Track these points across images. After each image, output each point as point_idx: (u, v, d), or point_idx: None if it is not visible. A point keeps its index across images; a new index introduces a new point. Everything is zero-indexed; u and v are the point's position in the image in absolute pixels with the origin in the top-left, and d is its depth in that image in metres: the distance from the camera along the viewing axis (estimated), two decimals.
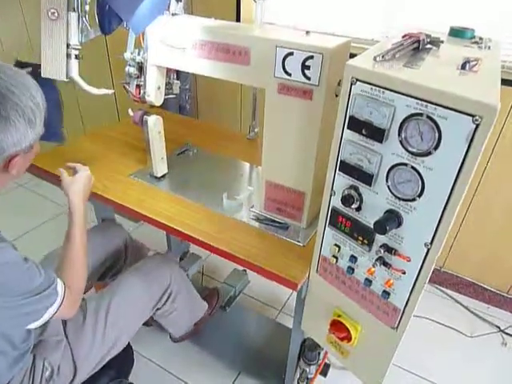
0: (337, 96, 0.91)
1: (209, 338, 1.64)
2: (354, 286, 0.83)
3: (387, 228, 0.66)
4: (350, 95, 0.66)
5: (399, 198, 0.67)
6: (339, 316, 0.88)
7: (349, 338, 0.87)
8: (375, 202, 0.71)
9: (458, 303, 1.90)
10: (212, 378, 1.56)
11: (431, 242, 0.65)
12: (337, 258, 0.83)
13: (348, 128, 0.69)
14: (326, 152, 0.99)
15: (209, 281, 2.02)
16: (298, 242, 1.02)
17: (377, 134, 0.64)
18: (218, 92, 2.07)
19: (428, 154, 0.60)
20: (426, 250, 0.67)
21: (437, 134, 0.58)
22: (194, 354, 1.62)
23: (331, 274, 0.87)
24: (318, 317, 0.96)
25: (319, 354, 1.16)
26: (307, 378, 1.17)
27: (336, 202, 0.78)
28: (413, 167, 0.63)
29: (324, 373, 1.14)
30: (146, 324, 1.63)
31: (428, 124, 0.58)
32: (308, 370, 1.15)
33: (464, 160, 0.57)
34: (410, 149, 0.62)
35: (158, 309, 1.24)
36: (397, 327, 0.78)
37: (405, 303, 0.74)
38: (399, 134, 0.62)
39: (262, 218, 1.10)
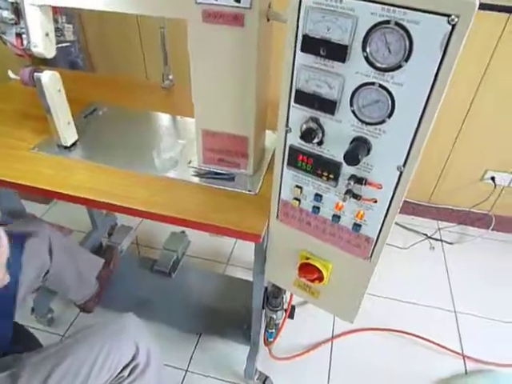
0: (269, 20, 0.80)
1: (160, 308, 1.55)
2: (320, 226, 0.78)
3: (360, 157, 0.60)
4: (299, 10, 0.56)
5: (366, 123, 0.61)
6: (308, 258, 0.84)
7: (320, 278, 0.84)
8: (339, 132, 0.64)
9: None
10: (173, 346, 1.50)
11: (404, 165, 0.62)
12: (299, 200, 0.77)
13: (302, 50, 0.59)
14: (264, 86, 0.90)
15: (147, 250, 1.89)
16: (249, 191, 0.94)
17: (337, 52, 0.56)
18: (111, 40, 1.80)
19: (397, 67, 0.54)
20: (398, 173, 0.63)
21: (407, 43, 0.51)
22: (148, 328, 1.52)
23: (294, 218, 0.81)
24: (283, 264, 0.92)
25: (283, 298, 1.14)
26: (275, 325, 1.15)
27: (293, 139, 0.70)
28: (381, 85, 0.56)
29: (291, 315, 1.13)
30: (84, 310, 1.49)
31: (396, 33, 0.51)
32: (275, 316, 1.13)
33: (438, 70, 0.52)
34: (376, 65, 0.55)
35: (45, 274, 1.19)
36: (370, 257, 0.76)
37: (378, 232, 0.72)
38: (363, 50, 0.55)
39: (203, 173, 0.99)
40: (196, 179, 0.97)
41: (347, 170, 0.67)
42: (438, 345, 1.50)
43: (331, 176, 0.69)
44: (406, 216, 2.07)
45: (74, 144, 1.07)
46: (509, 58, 1.52)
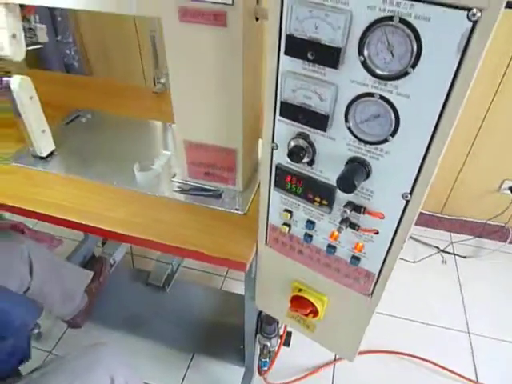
0: (257, 20, 0.70)
1: (152, 324, 1.46)
2: (314, 256, 0.68)
3: (356, 183, 0.49)
4: (282, 4, 0.46)
5: (365, 142, 0.50)
6: (300, 290, 0.74)
7: (315, 313, 0.74)
8: (333, 151, 0.54)
9: None
10: (165, 365, 1.40)
11: (411, 192, 0.51)
12: (289, 225, 0.67)
13: (286, 53, 0.49)
14: (254, 93, 0.80)
15: (141, 261, 1.80)
16: (237, 210, 0.84)
17: (328, 56, 0.46)
18: (109, 41, 1.72)
19: (403, 75, 0.43)
20: (404, 202, 0.52)
21: (415, 45, 0.41)
22: (139, 347, 1.43)
23: (284, 245, 0.71)
24: (274, 293, 0.81)
25: (278, 323, 1.03)
26: (269, 352, 1.05)
27: (280, 157, 0.59)
28: (382, 97, 0.45)
29: (287, 343, 1.03)
30: (72, 326, 1.41)
31: (402, 31, 0.41)
32: (269, 344, 1.02)
33: (454, 78, 0.41)
34: (376, 72, 0.44)
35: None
36: (371, 294, 0.66)
37: (379, 267, 0.61)
38: (360, 53, 0.44)
39: (187, 189, 0.89)
40: (180, 196, 0.88)
41: (343, 195, 0.57)
42: (451, 371, 1.38)
43: (324, 202, 0.59)
44: (416, 227, 1.94)
45: (50, 154, 0.99)
46: None
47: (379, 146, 0.49)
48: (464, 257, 1.82)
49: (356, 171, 0.50)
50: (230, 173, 0.85)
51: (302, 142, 0.54)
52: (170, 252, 0.79)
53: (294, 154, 0.55)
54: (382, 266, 0.60)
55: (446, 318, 1.56)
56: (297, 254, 0.70)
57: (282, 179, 0.61)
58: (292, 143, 0.55)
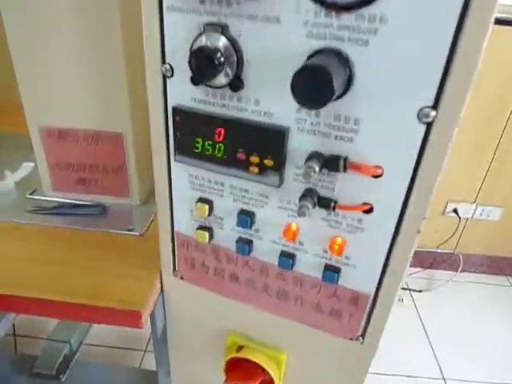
0: None
1: None
2: (258, 279, 0.39)
3: (334, 82, 0.23)
4: None
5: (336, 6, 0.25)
6: (240, 348, 0.43)
7: (269, 382, 0.43)
8: (278, 49, 0.27)
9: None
10: None
11: (435, 105, 0.25)
12: (209, 228, 0.38)
13: None
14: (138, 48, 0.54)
15: (27, 342, 1.35)
16: (130, 230, 0.53)
17: None
18: None
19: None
20: (423, 126, 0.26)
21: None
22: None
23: (205, 268, 0.41)
24: (198, 360, 0.49)
25: None
26: None
27: (180, 90, 0.32)
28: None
29: None
30: None
31: None
32: None
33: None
34: None
35: None
36: (362, 335, 0.37)
37: (377, 281, 0.33)
38: None
39: (50, 207, 0.56)
40: (42, 219, 0.55)
41: (300, 141, 0.30)
42: None
43: (268, 162, 0.31)
44: None
45: None
46: None
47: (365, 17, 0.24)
48: (419, 291, 1.65)
49: (331, 62, 0.24)
50: (118, 176, 0.55)
51: (214, 40, 0.27)
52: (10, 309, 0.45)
53: (200, 65, 0.27)
54: (382, 279, 0.33)
55: (419, 367, 1.33)
56: (228, 282, 0.40)
57: (186, 134, 0.33)
58: (195, 47, 0.28)
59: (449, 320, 1.55)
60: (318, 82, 0.22)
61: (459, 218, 1.64)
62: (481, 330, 1.51)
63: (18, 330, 1.41)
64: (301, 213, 0.30)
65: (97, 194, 0.57)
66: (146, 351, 1.37)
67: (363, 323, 0.36)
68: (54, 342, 1.26)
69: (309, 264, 0.35)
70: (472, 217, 1.68)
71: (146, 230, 0.53)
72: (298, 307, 0.38)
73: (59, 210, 0.55)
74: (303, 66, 0.23)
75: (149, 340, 1.40)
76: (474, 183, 1.58)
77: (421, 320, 1.55)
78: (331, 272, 0.34)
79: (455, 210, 1.66)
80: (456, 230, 1.66)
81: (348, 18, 0.25)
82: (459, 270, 1.75)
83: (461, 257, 1.74)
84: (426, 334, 1.49)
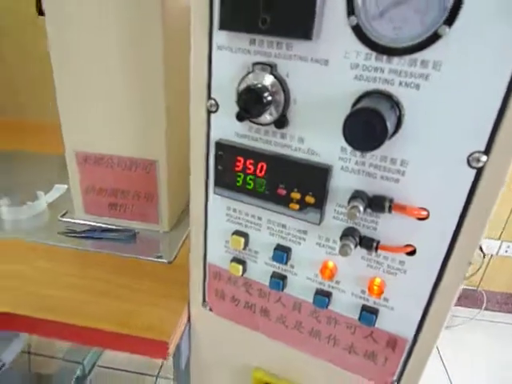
0: None
1: None
2: (290, 316, 0.38)
3: (388, 124, 0.23)
4: None
5: (389, 52, 0.25)
6: None
7: None
8: (325, 91, 0.28)
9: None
10: None
11: (486, 151, 0.25)
12: (243, 262, 0.37)
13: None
14: (180, 79, 0.55)
15: (41, 361, 1.34)
16: (159, 257, 0.53)
17: None
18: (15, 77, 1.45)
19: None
20: (473, 172, 0.26)
21: None
22: None
23: (235, 303, 0.40)
24: None
25: None
26: None
27: (223, 125, 0.32)
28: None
29: None
30: None
31: None
32: None
33: None
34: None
35: None
36: (397, 380, 0.36)
37: (416, 326, 0.32)
38: None
39: (81, 231, 0.57)
40: (72, 242, 0.55)
41: (343, 182, 0.30)
42: None
43: (309, 199, 0.31)
44: None
45: None
46: None
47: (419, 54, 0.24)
48: None
49: (382, 105, 0.24)
50: (149, 202, 0.56)
51: (263, 79, 0.28)
52: (38, 333, 0.45)
53: (248, 103, 0.28)
54: (422, 323, 0.32)
55: None
56: (258, 317, 0.40)
57: (228, 167, 0.33)
58: (243, 85, 0.29)
59: (471, 359, 1.48)
60: (372, 126, 0.22)
61: (483, 254, 1.59)
62: (506, 373, 1.44)
63: (32, 348, 1.41)
64: (343, 252, 0.30)
65: (127, 219, 0.57)
66: (158, 377, 1.35)
67: (399, 368, 0.35)
68: (67, 362, 1.25)
69: (345, 304, 0.34)
70: (497, 253, 1.63)
71: (175, 258, 0.53)
72: (331, 347, 0.37)
73: (90, 233, 0.56)
74: (358, 108, 0.23)
75: (161, 366, 1.38)
76: (499, 219, 1.55)
77: (442, 360, 1.49)
78: (369, 313, 0.33)
79: (479, 246, 1.61)
80: (480, 266, 1.61)
81: (399, 63, 0.25)
82: (483, 307, 1.69)
83: (484, 294, 1.68)
84: (447, 373, 1.42)
